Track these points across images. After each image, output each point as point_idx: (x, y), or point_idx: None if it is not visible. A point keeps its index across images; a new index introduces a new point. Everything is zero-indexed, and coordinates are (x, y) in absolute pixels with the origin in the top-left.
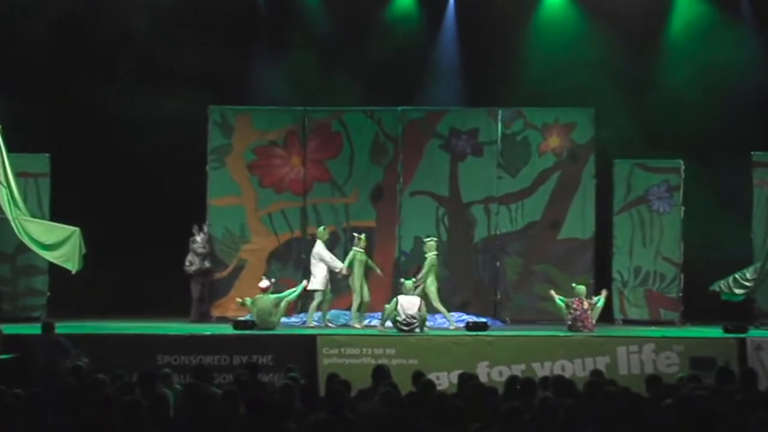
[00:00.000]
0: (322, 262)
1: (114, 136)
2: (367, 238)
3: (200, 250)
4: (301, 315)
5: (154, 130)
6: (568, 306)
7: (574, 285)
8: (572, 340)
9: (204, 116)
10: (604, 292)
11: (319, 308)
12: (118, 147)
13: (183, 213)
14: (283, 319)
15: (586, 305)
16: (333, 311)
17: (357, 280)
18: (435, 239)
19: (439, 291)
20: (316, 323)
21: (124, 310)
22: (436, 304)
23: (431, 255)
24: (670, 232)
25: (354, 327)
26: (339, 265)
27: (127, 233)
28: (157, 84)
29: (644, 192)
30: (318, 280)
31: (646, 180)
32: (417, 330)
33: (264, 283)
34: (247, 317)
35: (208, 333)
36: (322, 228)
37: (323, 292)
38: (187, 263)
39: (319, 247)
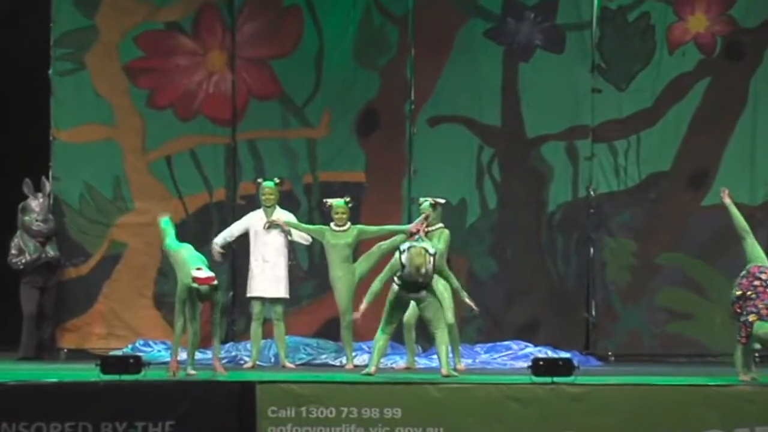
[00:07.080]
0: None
1: None
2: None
3: (38, 227)
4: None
5: None
6: None
7: None
8: (734, 392)
9: None
10: None
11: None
12: None
13: (3, 157)
14: (201, 355)
15: None
16: (289, 338)
17: (341, 281)
18: (433, 201)
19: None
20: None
21: None
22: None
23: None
24: None
25: (342, 367)
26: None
27: None
28: None
29: None
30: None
31: None
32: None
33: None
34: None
35: (52, 380)
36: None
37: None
38: (14, 251)
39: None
